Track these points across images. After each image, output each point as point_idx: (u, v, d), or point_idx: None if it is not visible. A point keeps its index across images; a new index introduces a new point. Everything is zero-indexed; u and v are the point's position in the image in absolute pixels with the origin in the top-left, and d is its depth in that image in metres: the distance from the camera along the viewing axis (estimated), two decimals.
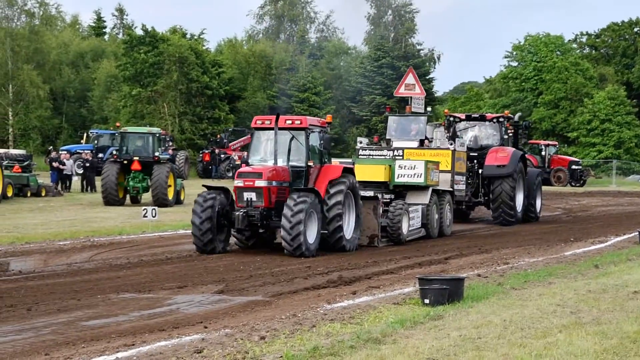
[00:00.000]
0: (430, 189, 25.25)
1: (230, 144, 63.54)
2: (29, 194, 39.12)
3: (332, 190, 20.78)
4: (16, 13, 73.78)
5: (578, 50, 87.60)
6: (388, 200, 24.36)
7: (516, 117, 32.76)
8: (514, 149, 30.96)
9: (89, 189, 43.87)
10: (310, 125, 21.05)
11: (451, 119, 31.89)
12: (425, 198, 25.07)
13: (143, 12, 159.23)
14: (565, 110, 77.96)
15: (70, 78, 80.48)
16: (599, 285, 14.59)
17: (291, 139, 20.74)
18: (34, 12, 75.92)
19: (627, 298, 13.24)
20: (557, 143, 65.23)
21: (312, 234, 19.94)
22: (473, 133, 31.71)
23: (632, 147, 75.30)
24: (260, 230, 20.71)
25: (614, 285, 14.61)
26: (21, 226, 26.73)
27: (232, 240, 21.57)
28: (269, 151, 20.97)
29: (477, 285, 14.78)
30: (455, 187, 28.21)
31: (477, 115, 32.44)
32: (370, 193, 23.84)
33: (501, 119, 31.58)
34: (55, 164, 43.41)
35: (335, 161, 22.93)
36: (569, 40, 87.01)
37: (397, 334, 10.65)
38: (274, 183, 20.33)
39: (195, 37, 79.04)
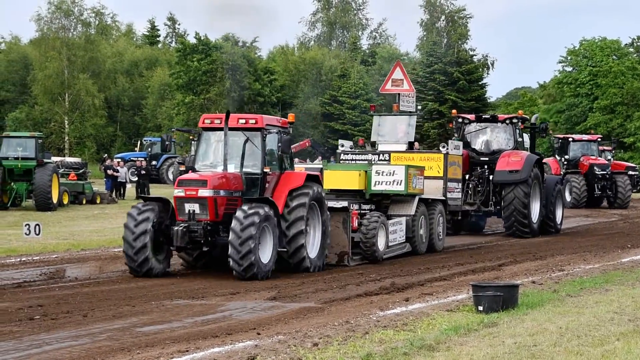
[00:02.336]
0: (417, 198, 22.28)
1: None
2: (84, 202, 39.67)
3: (293, 201, 18.00)
4: (72, 23, 75.07)
5: (635, 55, 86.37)
6: (366, 212, 21.27)
7: (533, 119, 30.33)
8: (529, 153, 28.28)
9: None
10: (267, 125, 18.25)
11: (460, 120, 29.12)
12: (410, 209, 22.09)
13: (195, 20, 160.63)
14: (622, 115, 76.91)
15: (124, 86, 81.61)
16: None
17: (245, 141, 18.00)
18: (89, 22, 77.23)
19: None
20: (612, 148, 64.28)
21: (266, 253, 17.12)
22: (484, 136, 29.01)
23: None
24: (205, 249, 17.62)
25: None
26: (77, 233, 27.09)
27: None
28: (219, 155, 18.13)
29: (531, 292, 14.62)
30: (449, 195, 24.60)
31: (489, 116, 29.75)
32: (345, 204, 20.52)
33: (514, 120, 28.67)
34: (109, 172, 43.95)
35: (300, 167, 20.69)
36: (626, 44, 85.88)
37: (450, 341, 10.57)
38: (222, 192, 17.44)
39: (248, 45, 79.54)
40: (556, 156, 44.14)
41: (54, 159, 42.83)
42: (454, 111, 32.17)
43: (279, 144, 18.36)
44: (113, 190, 43.56)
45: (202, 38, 74.65)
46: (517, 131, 28.64)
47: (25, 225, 23.82)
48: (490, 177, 27.97)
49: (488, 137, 28.95)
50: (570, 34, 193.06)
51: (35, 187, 35.24)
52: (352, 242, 20.12)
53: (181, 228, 17.17)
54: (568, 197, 42.24)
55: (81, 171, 41.95)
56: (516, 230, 27.36)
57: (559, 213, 29.56)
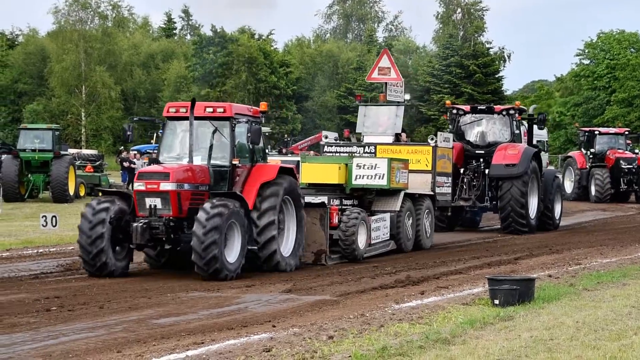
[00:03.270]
0: (402, 193, 21.02)
1: (295, 144, 62.31)
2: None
3: (264, 196, 16.80)
4: (90, 15, 75.22)
5: None
6: (347, 208, 19.93)
7: (530, 110, 29.16)
8: (527, 145, 27.08)
9: None
10: (236, 114, 16.99)
11: (454, 111, 27.78)
12: (395, 204, 20.81)
13: (212, 12, 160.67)
14: (639, 108, 76.53)
15: (141, 79, 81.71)
16: None
17: (213, 132, 16.92)
18: (106, 15, 77.32)
19: None
20: (630, 142, 63.92)
21: (233, 252, 16.02)
22: (480, 128, 27.60)
23: None
24: (167, 246, 16.42)
25: None
26: None
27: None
28: (185, 146, 16.88)
29: (548, 285, 14.57)
30: (438, 190, 23.27)
31: (484, 107, 28.11)
32: (324, 199, 19.48)
33: (511, 112, 27.25)
34: (125, 164, 44.07)
35: (276, 160, 19.62)
36: None
37: (466, 335, 10.54)
38: (187, 186, 16.25)
39: (264, 38, 79.50)
40: (582, 150, 43.76)
41: (71, 151, 42.97)
42: (448, 102, 30.93)
43: (249, 134, 17.10)
44: (129, 182, 43.65)
45: (218, 30, 74.66)
46: (514, 123, 27.34)
47: (42, 217, 23.89)
48: (486, 171, 26.72)
49: (484, 128, 27.61)
50: (587, 26, 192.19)
51: (52, 179, 35.42)
52: (331, 240, 18.85)
53: (141, 224, 15.95)
54: (593, 191, 41.87)
55: (97, 163, 42.11)
56: (513, 223, 26.18)
57: (557, 208, 28.56)
